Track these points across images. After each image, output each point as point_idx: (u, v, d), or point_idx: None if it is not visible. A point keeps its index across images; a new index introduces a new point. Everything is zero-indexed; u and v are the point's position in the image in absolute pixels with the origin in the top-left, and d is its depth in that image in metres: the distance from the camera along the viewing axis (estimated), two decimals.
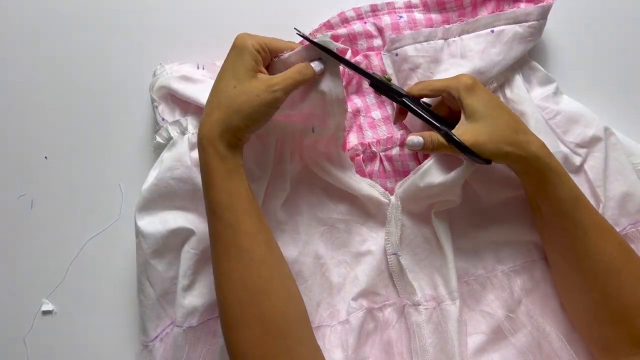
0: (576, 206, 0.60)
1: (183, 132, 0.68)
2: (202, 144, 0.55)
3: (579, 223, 0.60)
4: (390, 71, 0.69)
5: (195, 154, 0.67)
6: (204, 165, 0.55)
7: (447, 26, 0.68)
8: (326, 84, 0.60)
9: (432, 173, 0.65)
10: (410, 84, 0.68)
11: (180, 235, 0.67)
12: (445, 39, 0.68)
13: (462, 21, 0.68)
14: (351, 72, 0.69)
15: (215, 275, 0.55)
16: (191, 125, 0.68)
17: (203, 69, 0.71)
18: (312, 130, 0.65)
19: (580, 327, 0.64)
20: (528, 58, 0.71)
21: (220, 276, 0.54)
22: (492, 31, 0.67)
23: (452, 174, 0.64)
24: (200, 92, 0.67)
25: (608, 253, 0.59)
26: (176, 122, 0.68)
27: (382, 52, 0.69)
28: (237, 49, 0.56)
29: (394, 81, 0.69)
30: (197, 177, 0.66)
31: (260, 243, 0.55)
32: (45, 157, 0.75)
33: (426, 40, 0.68)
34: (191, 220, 0.67)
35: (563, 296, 0.66)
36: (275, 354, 0.52)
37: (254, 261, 0.54)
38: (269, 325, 0.52)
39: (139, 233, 0.67)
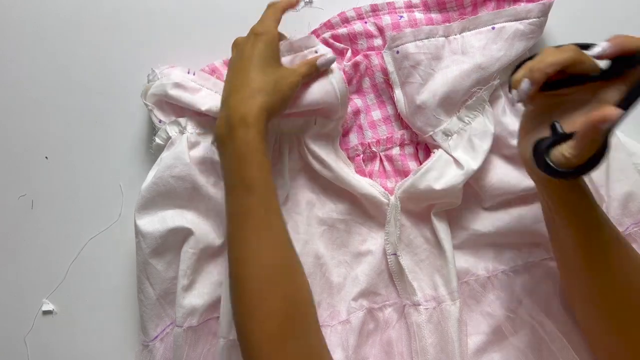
0: (599, 224, 0.55)
1: (182, 131, 0.68)
2: (246, 123, 0.55)
3: (599, 242, 0.55)
4: (391, 69, 0.69)
5: (194, 152, 0.67)
6: (243, 143, 0.55)
7: (447, 24, 0.68)
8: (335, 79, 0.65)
9: (431, 175, 0.65)
10: (411, 81, 0.68)
11: (180, 235, 0.67)
12: (446, 37, 0.68)
13: (463, 19, 0.68)
14: (350, 71, 0.69)
15: (239, 253, 0.54)
16: (190, 125, 0.68)
17: (194, 74, 0.70)
18: (314, 122, 0.66)
19: (587, 335, 0.62)
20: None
21: (247, 253, 0.53)
22: (493, 28, 0.66)
23: (452, 179, 0.64)
24: (200, 100, 0.67)
25: (624, 271, 0.54)
26: (175, 122, 0.68)
27: (383, 50, 0.69)
28: (268, 35, 0.60)
29: (395, 80, 0.69)
30: (197, 175, 0.66)
31: (284, 224, 0.56)
32: (46, 157, 0.75)
33: (427, 38, 0.67)
34: (190, 220, 0.67)
35: (572, 305, 0.64)
36: (295, 337, 0.51)
37: (281, 241, 0.55)
38: (292, 307, 0.52)
39: (138, 233, 0.67)
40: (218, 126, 0.57)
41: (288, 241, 0.55)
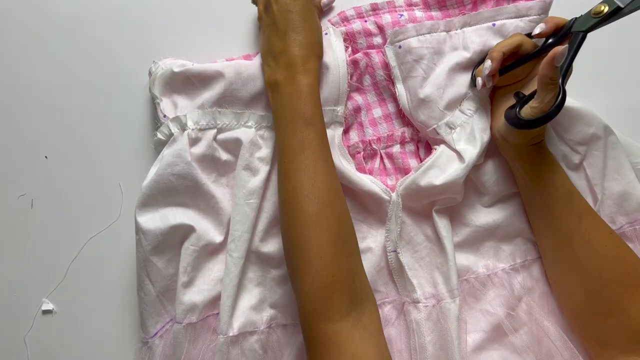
0: (571, 192, 0.63)
1: (183, 128, 0.68)
2: (307, 70, 0.63)
3: (573, 210, 0.62)
4: (393, 63, 0.69)
5: (195, 149, 0.67)
6: (305, 86, 0.62)
7: (449, 19, 0.68)
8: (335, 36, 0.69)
9: (433, 172, 0.66)
10: (414, 75, 0.68)
11: (180, 232, 0.67)
12: (447, 31, 0.68)
13: (464, 14, 0.68)
14: (350, 68, 0.69)
15: (299, 178, 0.59)
16: (190, 121, 0.68)
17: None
18: None
19: (576, 324, 0.64)
20: None
21: (305, 179, 0.58)
22: (494, 25, 0.67)
23: (453, 173, 0.65)
24: (208, 64, 0.69)
25: (601, 241, 0.61)
26: (176, 119, 0.68)
27: (385, 45, 0.69)
28: None
29: (397, 74, 0.69)
30: (197, 173, 0.66)
31: (333, 160, 0.62)
32: (46, 157, 0.75)
33: (429, 33, 0.68)
34: (191, 217, 0.67)
35: (558, 292, 0.66)
36: (345, 254, 0.57)
37: (333, 172, 0.61)
38: (343, 227, 0.58)
39: (138, 230, 0.67)
40: (272, 72, 0.64)
41: (337, 175, 0.62)
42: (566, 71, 0.59)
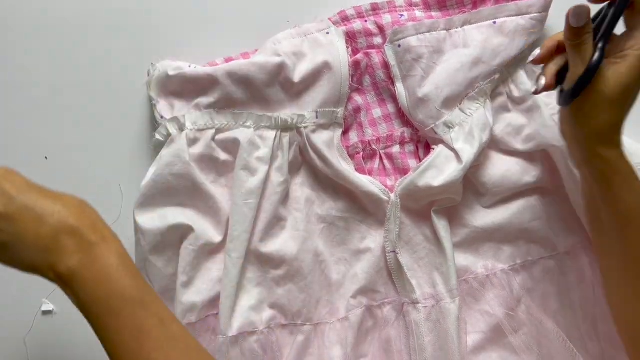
0: None
1: (181, 128, 0.68)
2: (102, 237, 0.49)
3: None
4: (392, 62, 0.69)
5: (193, 149, 0.67)
6: (111, 255, 0.49)
7: (449, 17, 0.68)
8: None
9: (431, 172, 0.66)
10: (413, 74, 0.68)
11: (179, 232, 0.67)
12: (448, 30, 0.68)
13: (465, 13, 0.68)
14: (351, 69, 0.69)
15: None
16: (189, 122, 0.68)
17: (195, 68, 0.71)
18: (316, 116, 0.66)
19: (635, 351, 0.57)
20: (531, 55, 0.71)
21: None
22: (495, 22, 0.67)
23: (451, 174, 0.65)
24: (202, 67, 0.68)
25: None
26: (174, 119, 0.68)
27: (385, 44, 0.69)
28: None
29: (397, 73, 0.69)
30: (196, 173, 0.66)
31: (184, 327, 0.49)
32: (46, 157, 0.75)
33: (429, 31, 0.68)
34: (190, 217, 0.67)
35: (618, 316, 0.59)
36: None
37: (190, 348, 0.48)
38: None
39: (137, 230, 0.67)
40: (54, 265, 0.48)
41: (199, 346, 0.49)
42: (606, 30, 0.53)
